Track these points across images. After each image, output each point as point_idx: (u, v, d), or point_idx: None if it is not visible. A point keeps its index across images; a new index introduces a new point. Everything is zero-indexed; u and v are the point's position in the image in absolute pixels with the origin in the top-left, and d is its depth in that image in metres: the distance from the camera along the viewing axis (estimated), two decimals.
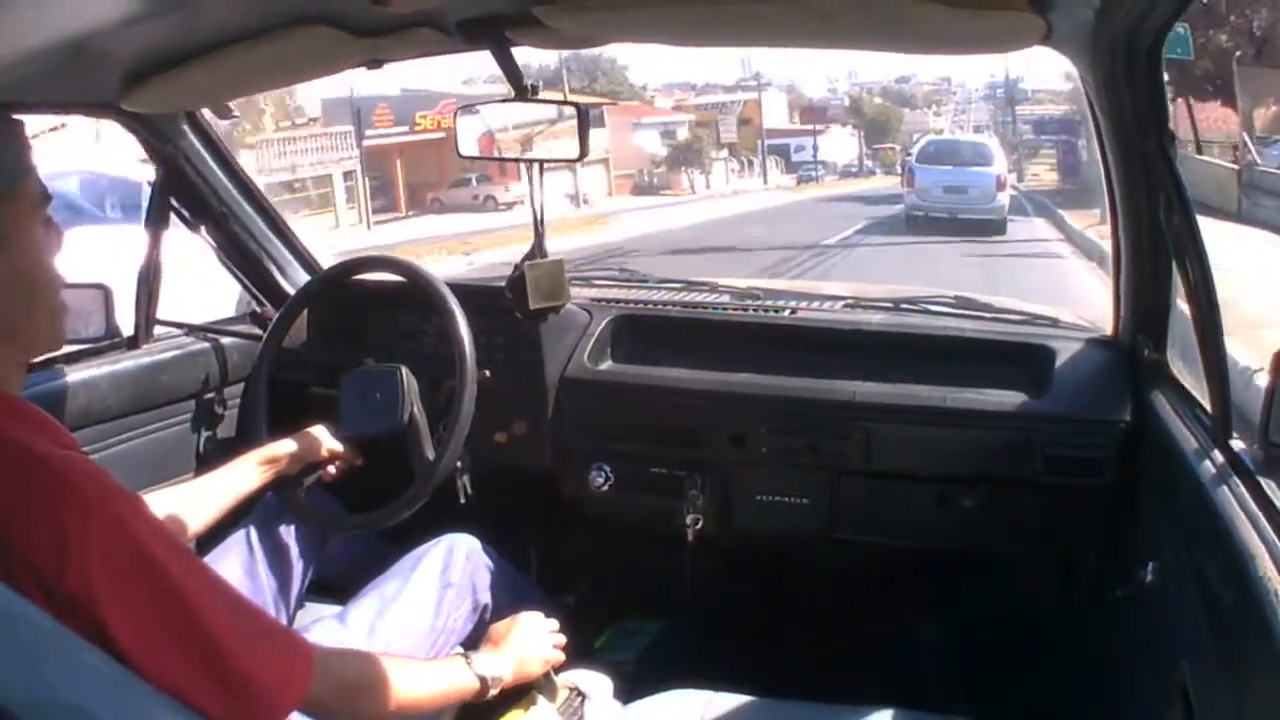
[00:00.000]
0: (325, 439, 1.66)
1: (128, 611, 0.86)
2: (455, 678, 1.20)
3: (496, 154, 2.07)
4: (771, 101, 50.10)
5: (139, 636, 0.86)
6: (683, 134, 42.03)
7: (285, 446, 1.60)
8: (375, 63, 1.53)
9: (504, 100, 1.62)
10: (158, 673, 0.86)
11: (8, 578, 0.83)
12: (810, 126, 48.17)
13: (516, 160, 1.67)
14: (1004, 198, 16.52)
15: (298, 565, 1.62)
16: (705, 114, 46.27)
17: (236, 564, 1.54)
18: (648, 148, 39.91)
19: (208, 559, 1.49)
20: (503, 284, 1.79)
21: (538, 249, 1.69)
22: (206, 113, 1.85)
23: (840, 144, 51.27)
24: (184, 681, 0.87)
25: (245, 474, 1.54)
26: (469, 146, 1.73)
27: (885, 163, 50.30)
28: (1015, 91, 49.72)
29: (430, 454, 1.65)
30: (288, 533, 1.62)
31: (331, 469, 1.68)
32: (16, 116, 0.98)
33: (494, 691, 1.24)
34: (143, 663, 0.86)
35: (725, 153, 42.81)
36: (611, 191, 34.60)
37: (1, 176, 0.92)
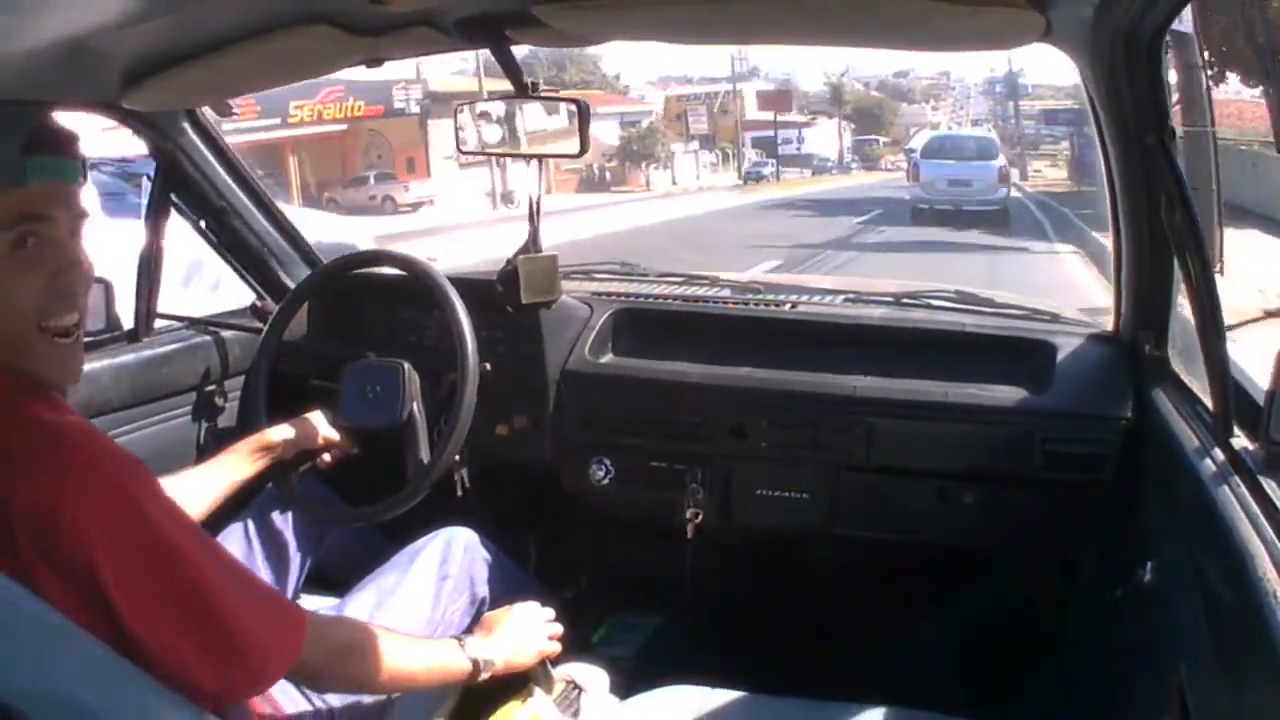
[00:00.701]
0: (321, 426, 1.67)
1: (123, 570, 0.88)
2: (446, 656, 1.21)
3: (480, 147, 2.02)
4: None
5: (133, 595, 0.88)
6: (648, 125, 38.89)
7: (281, 432, 1.61)
8: (375, 61, 1.53)
9: (504, 97, 1.61)
10: (150, 632, 0.87)
11: (10, 540, 0.85)
12: (771, 116, 44.19)
13: (514, 155, 1.66)
14: (1005, 189, 17.18)
15: (295, 557, 1.62)
16: (676, 104, 44.04)
17: (234, 555, 1.54)
18: (604, 139, 36.40)
19: None
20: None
21: (532, 243, 1.69)
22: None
23: (828, 137, 48.54)
24: (177, 643, 0.89)
25: (240, 461, 1.55)
26: (467, 141, 1.73)
27: (867, 157, 47.20)
28: (1016, 86, 49.11)
29: (425, 457, 1.65)
30: (285, 525, 1.62)
31: (326, 456, 1.68)
32: None
33: (484, 675, 1.23)
34: (136, 623, 0.87)
35: (696, 145, 40.43)
36: (551, 188, 30.40)
37: None
